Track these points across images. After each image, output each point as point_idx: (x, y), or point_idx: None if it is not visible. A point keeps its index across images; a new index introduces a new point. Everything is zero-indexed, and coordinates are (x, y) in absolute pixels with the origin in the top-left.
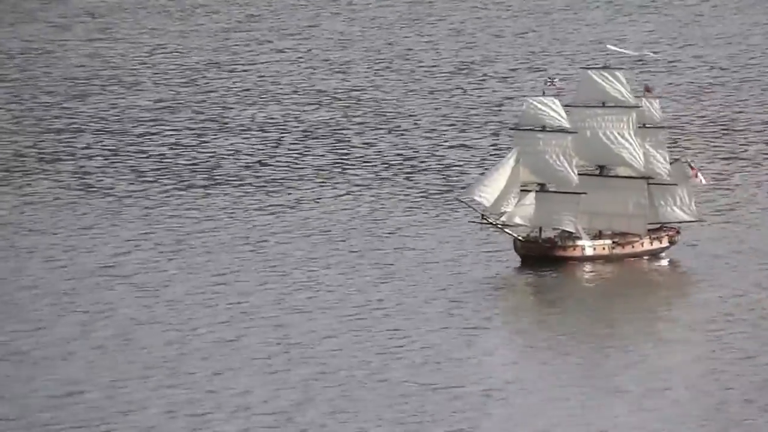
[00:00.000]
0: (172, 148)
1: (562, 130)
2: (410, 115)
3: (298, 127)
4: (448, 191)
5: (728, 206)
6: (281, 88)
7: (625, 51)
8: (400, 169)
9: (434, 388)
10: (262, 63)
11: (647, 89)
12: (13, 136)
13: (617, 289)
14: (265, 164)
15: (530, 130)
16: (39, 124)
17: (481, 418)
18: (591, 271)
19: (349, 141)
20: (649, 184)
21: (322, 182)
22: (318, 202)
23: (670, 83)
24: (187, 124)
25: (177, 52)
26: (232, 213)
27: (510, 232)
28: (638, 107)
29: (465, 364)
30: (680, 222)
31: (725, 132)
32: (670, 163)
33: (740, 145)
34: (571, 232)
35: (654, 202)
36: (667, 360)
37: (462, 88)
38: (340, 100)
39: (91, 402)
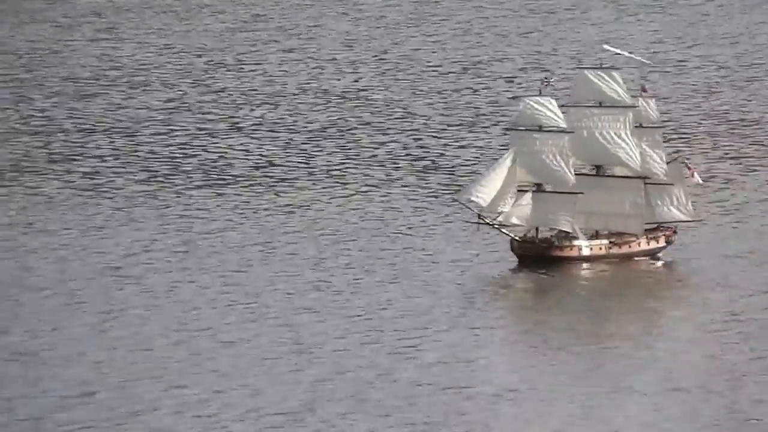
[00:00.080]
0: (181, 149)
1: (558, 130)
2: (417, 115)
3: (305, 127)
4: (456, 191)
5: (728, 206)
6: (288, 88)
7: (621, 52)
8: (407, 169)
9: (439, 388)
10: (269, 63)
11: (643, 89)
12: (21, 136)
13: (614, 289)
14: (274, 164)
15: (527, 130)
16: (47, 124)
17: (490, 419)
18: (588, 271)
19: (356, 141)
20: (645, 183)
21: (332, 183)
22: (326, 203)
23: (677, 83)
24: (196, 125)
25: (183, 52)
26: (241, 213)
27: (507, 232)
28: (635, 107)
29: (467, 364)
30: (677, 222)
31: (731, 132)
32: (667, 163)
33: (747, 144)
34: (568, 232)
35: (651, 201)
36: (672, 360)
37: (469, 88)
38: (348, 100)
39: (102, 402)
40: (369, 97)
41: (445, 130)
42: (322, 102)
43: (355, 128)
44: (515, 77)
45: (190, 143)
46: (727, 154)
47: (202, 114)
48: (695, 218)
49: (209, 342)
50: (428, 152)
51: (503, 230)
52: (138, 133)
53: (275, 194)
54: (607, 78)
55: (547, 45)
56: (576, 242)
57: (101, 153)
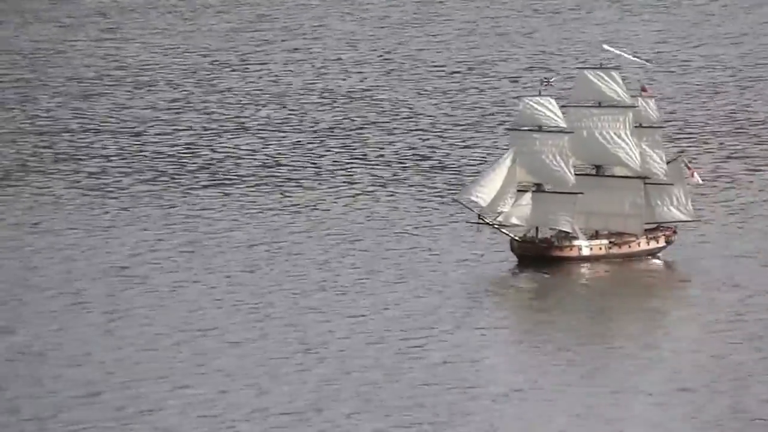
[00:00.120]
0: (186, 148)
1: (558, 130)
2: (422, 115)
3: (310, 127)
4: (456, 191)
5: (734, 205)
6: (293, 88)
7: (621, 53)
8: (413, 169)
9: (445, 388)
10: (274, 63)
11: (643, 89)
12: (26, 136)
13: (615, 289)
14: (279, 165)
15: (527, 130)
16: (53, 124)
17: (495, 419)
18: (588, 271)
19: (361, 141)
20: (645, 183)
21: (337, 183)
22: (332, 203)
23: (682, 82)
24: (201, 124)
25: (188, 52)
26: (246, 213)
27: (506, 232)
28: (635, 107)
29: (471, 364)
30: (677, 222)
31: (736, 131)
32: (667, 163)
33: (752, 144)
34: (568, 232)
35: (650, 201)
36: (677, 360)
37: (474, 88)
38: (353, 100)
39: (107, 402)
40: (374, 97)
41: (450, 130)
42: (327, 102)
43: (360, 128)
44: (520, 77)
45: (197, 143)
46: (732, 153)
47: (207, 114)
48: (695, 218)
49: (215, 342)
50: (433, 152)
51: (503, 230)
52: (144, 133)
53: (281, 194)
54: (606, 78)
55: (552, 45)
56: (576, 242)
57: (107, 153)
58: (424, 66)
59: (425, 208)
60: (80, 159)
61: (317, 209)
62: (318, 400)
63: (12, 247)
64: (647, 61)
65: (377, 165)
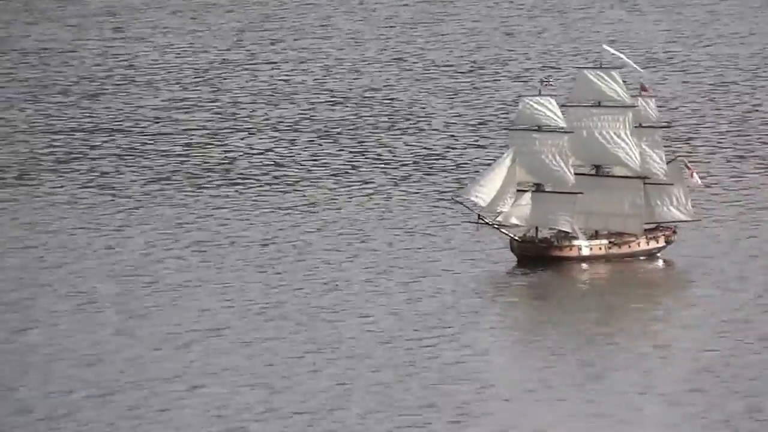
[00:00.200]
0: (199, 148)
1: (558, 130)
2: (428, 115)
3: (314, 126)
4: (456, 191)
5: (739, 205)
6: (299, 88)
7: (620, 55)
8: (415, 168)
9: (455, 389)
10: (277, 62)
11: (643, 89)
12: (30, 135)
13: (614, 289)
14: (286, 164)
15: (526, 129)
16: (56, 124)
17: (505, 419)
18: (587, 271)
19: (373, 141)
20: (645, 183)
21: (344, 183)
22: (343, 202)
23: (687, 82)
24: (213, 124)
25: (192, 51)
26: (258, 213)
27: (506, 232)
28: (634, 107)
29: (481, 365)
30: (676, 222)
31: (741, 131)
32: (667, 163)
33: (758, 144)
34: (568, 232)
35: (650, 201)
36: (687, 359)
37: (477, 88)
38: (363, 99)
39: (119, 402)
40: (386, 97)
41: (455, 129)
42: (339, 101)
43: (373, 128)
44: (526, 76)
45: (211, 142)
46: (737, 153)
47: (219, 113)
48: (695, 218)
49: (226, 342)
50: (447, 151)
51: (503, 230)
52: (156, 133)
53: (292, 194)
54: (606, 78)
55: (558, 44)
56: (575, 242)
57: (119, 152)
58: (429, 65)
59: (437, 207)
60: (93, 159)
61: (329, 209)
62: (329, 400)
63: (25, 246)
64: (642, 68)
65: (389, 165)
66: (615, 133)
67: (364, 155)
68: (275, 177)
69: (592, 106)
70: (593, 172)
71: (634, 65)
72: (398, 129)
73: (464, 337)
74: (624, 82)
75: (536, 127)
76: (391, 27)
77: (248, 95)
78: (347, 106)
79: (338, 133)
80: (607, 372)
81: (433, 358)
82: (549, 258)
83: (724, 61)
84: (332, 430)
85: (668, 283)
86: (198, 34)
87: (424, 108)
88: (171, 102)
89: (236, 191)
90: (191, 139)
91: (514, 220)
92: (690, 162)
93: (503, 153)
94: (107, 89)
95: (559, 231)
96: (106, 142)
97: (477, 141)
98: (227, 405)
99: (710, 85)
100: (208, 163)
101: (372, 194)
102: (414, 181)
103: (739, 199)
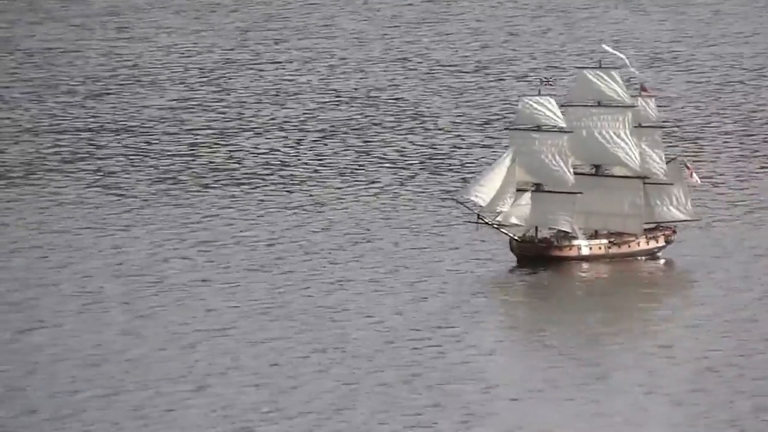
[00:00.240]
0: (205, 147)
1: (558, 130)
2: (430, 114)
3: (319, 126)
4: (456, 191)
5: (742, 205)
6: (302, 88)
7: (619, 54)
8: (421, 168)
9: (460, 388)
10: (282, 62)
11: (643, 88)
12: (35, 135)
13: (616, 289)
14: (290, 164)
15: (526, 129)
16: (62, 123)
17: (511, 419)
18: (587, 271)
19: (378, 140)
20: (645, 183)
21: (347, 183)
22: (349, 202)
23: (690, 81)
24: (219, 123)
25: (196, 51)
26: (263, 212)
27: (506, 232)
28: (634, 107)
29: (484, 364)
30: (676, 221)
31: (745, 131)
32: (667, 163)
33: (761, 143)
34: (567, 232)
35: (650, 201)
36: (691, 359)
37: (482, 87)
38: (368, 99)
39: (126, 402)
40: (383, 97)
41: (458, 129)
42: (339, 101)
43: (371, 127)
44: (527, 76)
45: (217, 142)
46: (742, 153)
47: (223, 113)
48: (695, 218)
49: (232, 342)
50: (438, 151)
51: (502, 230)
52: (161, 133)
53: (297, 193)
54: (606, 77)
55: (562, 44)
56: (575, 242)
57: (125, 152)
58: (433, 65)
59: (443, 207)
60: (99, 158)
61: (335, 208)
62: (335, 400)
63: (30, 246)
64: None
65: (395, 164)
66: (615, 133)
67: (369, 155)
68: (281, 177)
69: (591, 105)
70: (593, 171)
71: (629, 64)
72: (404, 128)
73: (469, 337)
74: (628, 80)
75: (536, 127)
76: (395, 27)
77: (253, 95)
78: (353, 106)
79: (344, 133)
80: (611, 372)
81: (438, 357)
82: (549, 258)
83: (729, 60)
84: (338, 430)
85: (671, 282)
86: (202, 34)
87: (423, 107)
88: (176, 102)
89: (242, 191)
90: (197, 138)
91: (513, 220)
92: (695, 161)
93: (503, 153)
94: (112, 89)
95: (559, 231)
96: (111, 142)
97: (481, 141)
98: (233, 405)
99: (715, 84)
100: (214, 162)
101: (378, 194)
102: (420, 181)
103: (744, 199)
